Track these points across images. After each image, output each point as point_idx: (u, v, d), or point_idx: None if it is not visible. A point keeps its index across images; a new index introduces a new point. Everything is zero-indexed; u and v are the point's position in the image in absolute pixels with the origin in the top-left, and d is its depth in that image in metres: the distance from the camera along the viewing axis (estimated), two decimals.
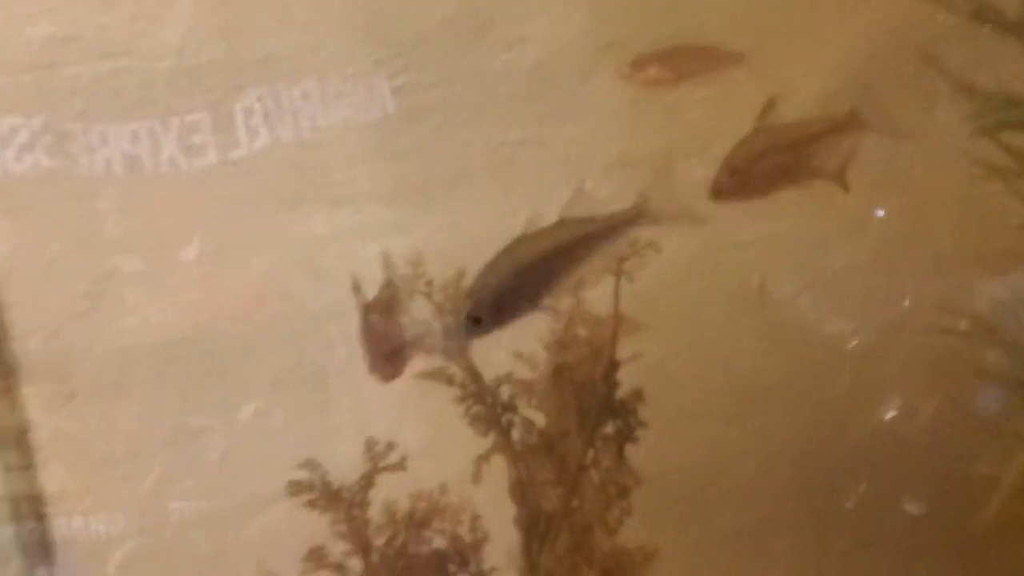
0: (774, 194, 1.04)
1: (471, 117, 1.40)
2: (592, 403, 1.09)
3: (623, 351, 1.12)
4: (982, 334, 1.21)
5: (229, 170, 1.35)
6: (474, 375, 1.12)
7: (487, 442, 1.14)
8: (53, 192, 1.34)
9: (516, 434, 1.14)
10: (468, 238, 1.37)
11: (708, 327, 1.45)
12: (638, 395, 1.11)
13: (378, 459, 1.11)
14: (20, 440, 1.28)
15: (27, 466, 1.27)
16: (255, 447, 1.43)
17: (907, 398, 1.47)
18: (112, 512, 1.39)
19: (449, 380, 1.13)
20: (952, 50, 1.07)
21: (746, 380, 1.48)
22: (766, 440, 1.50)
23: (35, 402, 1.38)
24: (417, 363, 1.14)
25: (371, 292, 1.33)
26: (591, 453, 1.12)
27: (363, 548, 1.09)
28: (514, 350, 1.12)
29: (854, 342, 1.49)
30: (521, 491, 1.11)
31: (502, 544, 1.16)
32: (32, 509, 1.29)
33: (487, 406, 1.12)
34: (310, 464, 1.12)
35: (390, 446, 1.12)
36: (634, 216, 0.93)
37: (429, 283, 1.14)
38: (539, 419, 1.14)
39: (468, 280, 1.16)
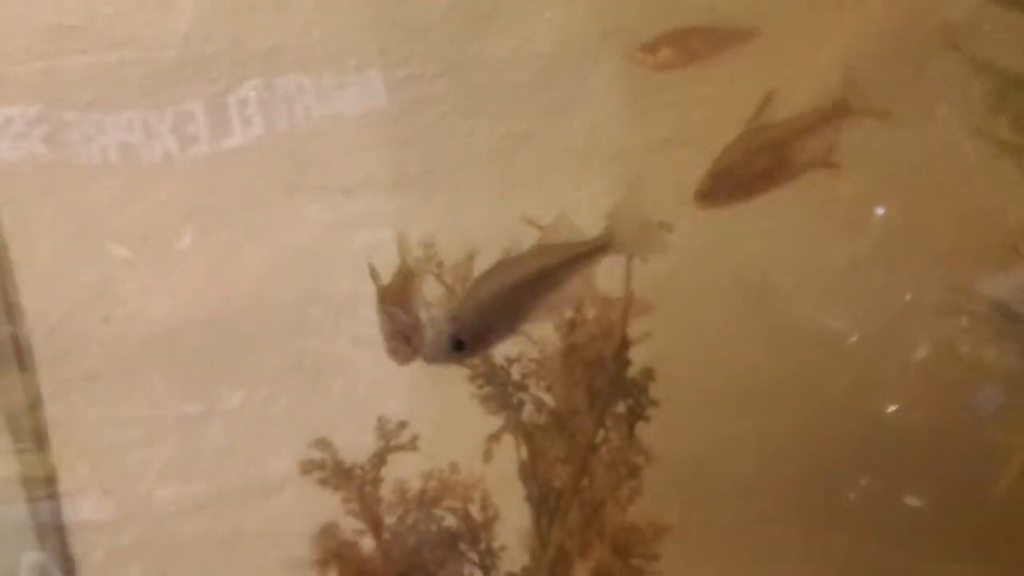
0: (760, 196, 1.04)
1: (475, 107, 1.40)
2: (603, 382, 1.10)
3: (633, 331, 1.12)
4: (983, 329, 1.22)
5: (232, 159, 1.35)
6: (485, 355, 1.12)
7: (498, 421, 1.14)
8: (51, 181, 1.35)
9: (527, 413, 1.14)
10: (470, 226, 1.38)
11: (709, 321, 1.45)
12: (649, 374, 1.12)
13: (390, 438, 1.11)
14: (32, 423, 1.27)
15: (39, 448, 1.27)
16: (264, 432, 1.44)
17: (908, 392, 1.47)
18: (120, 497, 1.39)
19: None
20: (969, 29, 1.08)
21: (748, 375, 1.48)
22: (768, 434, 1.50)
23: (45, 388, 1.38)
24: None
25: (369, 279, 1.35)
26: (601, 432, 1.12)
27: (375, 526, 1.09)
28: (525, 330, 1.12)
29: (855, 337, 1.50)
30: (532, 470, 1.12)
31: (513, 522, 1.17)
32: (44, 491, 1.28)
33: (498, 386, 1.13)
34: (322, 443, 1.11)
35: (401, 425, 1.12)
36: (603, 244, 0.96)
37: (440, 264, 1.14)
38: (550, 398, 1.14)
39: (479, 261, 1.17)
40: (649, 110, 1.41)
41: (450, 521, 1.15)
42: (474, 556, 1.16)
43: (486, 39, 1.38)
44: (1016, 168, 1.09)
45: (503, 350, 1.11)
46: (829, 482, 1.50)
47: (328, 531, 1.10)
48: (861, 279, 1.48)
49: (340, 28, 1.36)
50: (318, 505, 1.18)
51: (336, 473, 1.10)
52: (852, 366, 1.49)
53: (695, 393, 1.45)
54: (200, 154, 1.35)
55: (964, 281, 1.24)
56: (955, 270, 1.29)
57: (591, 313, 1.12)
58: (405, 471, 1.16)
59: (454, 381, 1.16)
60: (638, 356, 1.15)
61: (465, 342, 0.90)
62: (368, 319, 1.39)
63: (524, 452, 1.14)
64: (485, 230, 1.23)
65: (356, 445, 1.15)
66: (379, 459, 1.12)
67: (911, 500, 1.46)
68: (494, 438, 1.14)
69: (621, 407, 1.12)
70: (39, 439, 1.31)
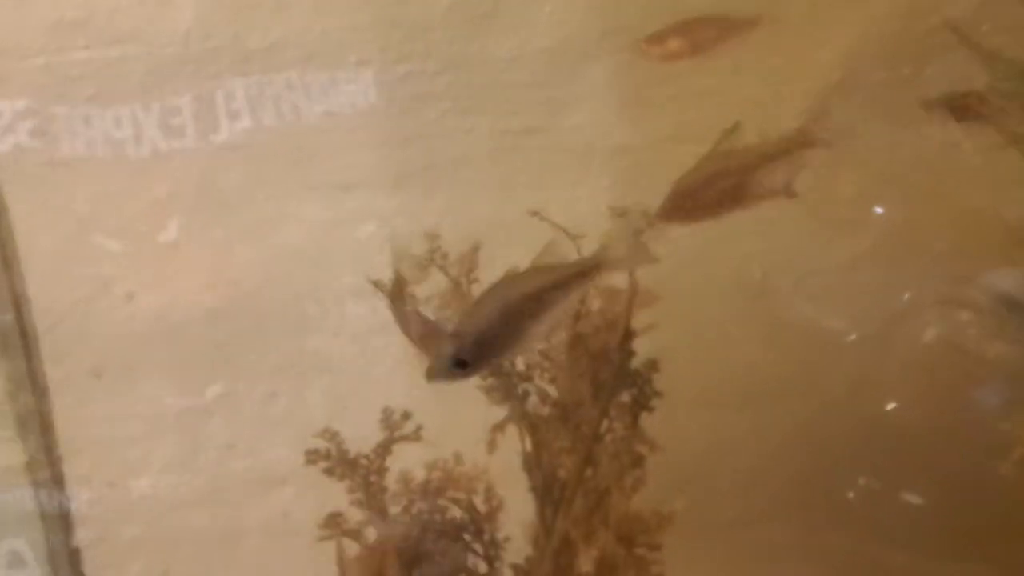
0: (722, 216, 1.06)
1: (475, 104, 1.41)
2: (607, 373, 1.11)
3: (638, 322, 1.13)
4: (983, 325, 1.23)
5: (233, 155, 1.36)
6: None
7: (502, 412, 1.14)
8: (52, 174, 1.35)
9: (531, 404, 1.14)
10: (471, 224, 1.38)
11: (709, 319, 1.46)
12: (653, 364, 1.12)
13: (394, 428, 1.11)
14: (39, 410, 1.28)
15: (44, 432, 1.27)
16: (266, 427, 1.44)
17: (908, 391, 1.47)
18: (126, 490, 1.39)
19: None
20: (971, 25, 1.09)
21: (747, 372, 1.49)
22: (768, 432, 1.51)
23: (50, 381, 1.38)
24: None
25: (374, 273, 1.35)
26: (605, 422, 1.13)
27: (380, 516, 1.10)
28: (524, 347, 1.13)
29: (855, 335, 1.51)
30: (536, 460, 1.12)
31: (517, 513, 1.17)
32: (49, 478, 1.28)
33: (502, 376, 1.13)
34: (327, 433, 1.12)
35: (406, 416, 1.12)
36: (596, 264, 0.97)
37: (444, 256, 1.15)
38: (554, 389, 1.15)
39: (483, 253, 1.18)
40: (650, 106, 1.41)
41: (454, 511, 1.15)
42: (478, 547, 1.16)
43: (486, 37, 1.39)
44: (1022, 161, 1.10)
45: None
46: (828, 480, 1.51)
47: (334, 519, 1.10)
48: (860, 277, 1.49)
49: (340, 26, 1.37)
50: (320, 500, 1.18)
51: (341, 462, 1.11)
52: (851, 365, 1.50)
53: (695, 390, 1.45)
54: (199, 150, 1.35)
55: (964, 277, 1.24)
56: (955, 268, 1.29)
57: (596, 304, 1.13)
58: (409, 461, 1.16)
59: None
60: (642, 348, 1.15)
61: (467, 360, 0.91)
62: (370, 312, 1.40)
63: (528, 443, 1.14)
64: (486, 227, 1.24)
65: (361, 436, 1.15)
66: (384, 449, 1.12)
67: (910, 499, 1.47)
68: (498, 428, 1.14)
69: (625, 397, 1.13)
70: (44, 430, 1.31)
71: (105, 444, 1.41)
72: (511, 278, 0.99)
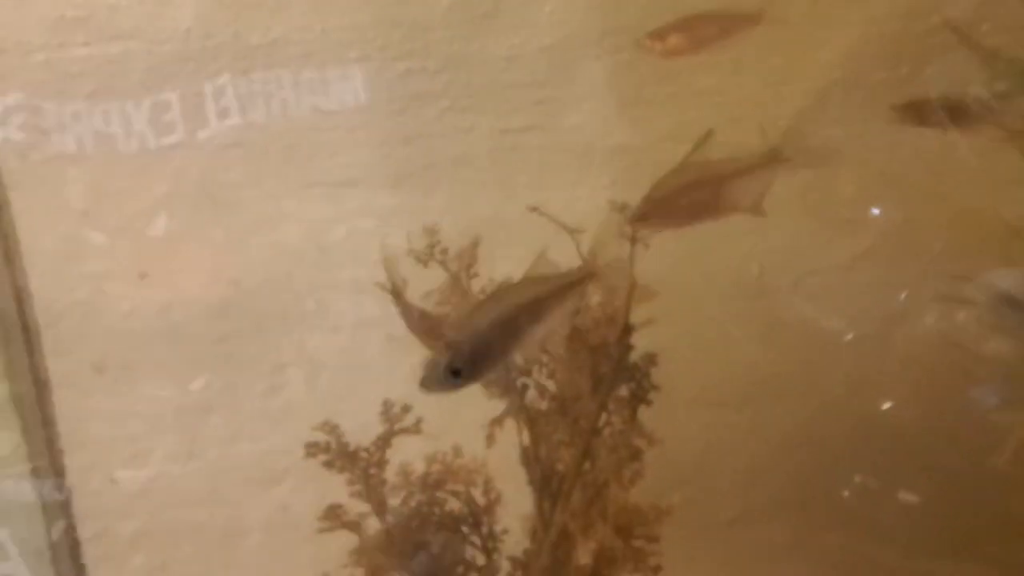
0: (693, 225, 1.07)
1: (475, 103, 1.41)
2: (606, 366, 1.11)
3: (636, 317, 1.13)
4: (980, 325, 1.23)
5: (232, 152, 1.36)
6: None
7: (501, 405, 1.15)
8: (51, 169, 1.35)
9: (530, 398, 1.15)
10: (470, 223, 1.39)
11: (707, 317, 1.47)
12: (651, 359, 1.13)
13: (394, 421, 1.12)
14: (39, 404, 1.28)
15: (45, 426, 1.27)
16: (266, 422, 1.44)
17: (905, 390, 1.48)
18: (126, 483, 1.39)
19: None
20: (976, 18, 1.10)
21: (745, 370, 1.50)
22: (765, 430, 1.52)
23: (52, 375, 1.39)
24: None
25: (374, 270, 1.35)
26: (604, 416, 1.13)
27: (379, 508, 1.10)
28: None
29: (852, 334, 1.51)
30: (535, 454, 1.13)
31: (515, 506, 1.17)
32: (50, 472, 1.29)
33: (501, 370, 1.14)
34: (327, 426, 1.12)
35: (406, 409, 1.13)
36: (585, 275, 0.99)
37: (444, 251, 1.15)
38: (553, 383, 1.15)
39: (483, 250, 1.18)
40: (650, 105, 1.42)
41: (453, 504, 1.15)
42: (476, 539, 1.16)
43: (487, 37, 1.39)
44: (1021, 159, 1.11)
45: None
46: (826, 479, 1.51)
47: (334, 511, 1.11)
48: (858, 276, 1.49)
49: (341, 24, 1.37)
50: (319, 496, 1.18)
51: (341, 455, 1.11)
52: (849, 364, 1.50)
53: (694, 387, 1.46)
54: (199, 147, 1.36)
55: (961, 277, 1.25)
56: (953, 267, 1.30)
57: (595, 299, 1.13)
58: (409, 454, 1.16)
59: None
60: (640, 343, 1.16)
61: (462, 370, 0.92)
62: (370, 308, 1.40)
63: (527, 436, 1.14)
64: (485, 226, 1.24)
65: (361, 429, 1.16)
66: (384, 442, 1.12)
67: (906, 497, 1.47)
68: (497, 422, 1.14)
69: (623, 391, 1.13)
70: (45, 424, 1.31)
71: (106, 438, 1.41)
72: (504, 289, 1.01)
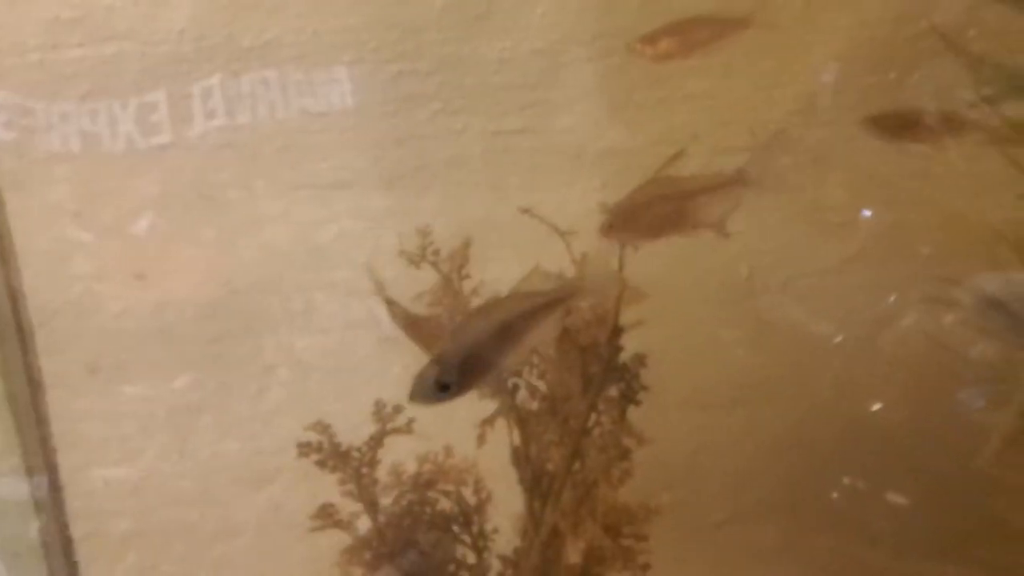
0: (660, 239, 1.09)
1: (467, 105, 1.42)
2: (596, 367, 1.12)
3: (626, 318, 1.14)
4: (968, 327, 1.24)
5: (225, 153, 1.37)
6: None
7: (492, 406, 1.16)
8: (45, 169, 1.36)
9: (521, 398, 1.15)
10: (462, 224, 1.39)
11: (696, 320, 1.47)
12: (640, 359, 1.14)
13: (386, 421, 1.12)
14: (33, 404, 1.28)
15: (38, 426, 1.28)
16: (257, 422, 1.44)
17: (893, 392, 1.49)
18: (119, 483, 1.39)
19: None
20: (959, 31, 1.11)
21: (734, 372, 1.50)
22: (754, 432, 1.52)
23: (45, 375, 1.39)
24: None
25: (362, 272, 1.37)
26: (593, 416, 1.14)
27: (371, 507, 1.11)
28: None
29: (841, 337, 1.52)
30: (525, 453, 1.14)
31: (505, 505, 1.18)
32: (43, 471, 1.29)
33: None
34: (319, 425, 1.13)
35: (397, 409, 1.13)
36: (572, 291, 1.02)
37: (436, 252, 1.16)
38: (543, 383, 1.16)
39: (475, 252, 1.19)
40: (641, 108, 1.43)
41: (444, 503, 1.16)
42: (467, 538, 1.17)
43: (479, 39, 1.40)
44: (1007, 164, 1.12)
45: None
46: (815, 481, 1.52)
47: (325, 510, 1.11)
48: (847, 279, 1.50)
49: (334, 26, 1.38)
50: (311, 496, 1.19)
51: (333, 455, 1.11)
52: (838, 366, 1.51)
53: (683, 388, 1.46)
54: (191, 147, 1.36)
55: (949, 280, 1.26)
56: (940, 270, 1.30)
57: (585, 301, 1.14)
58: (401, 454, 1.17)
59: None
60: (629, 343, 1.17)
61: (450, 384, 0.93)
62: (362, 308, 1.41)
63: (517, 436, 1.15)
64: (477, 228, 1.25)
65: (353, 429, 1.16)
66: (376, 442, 1.13)
67: (895, 499, 1.48)
68: (488, 422, 1.15)
69: (613, 391, 1.14)
70: (39, 423, 1.31)
71: (98, 438, 1.41)
72: (492, 303, 1.01)
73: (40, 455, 1.34)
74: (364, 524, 1.14)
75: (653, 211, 1.06)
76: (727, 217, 1.04)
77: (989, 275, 1.18)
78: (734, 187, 1.03)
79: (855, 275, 1.49)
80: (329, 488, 1.18)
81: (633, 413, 1.18)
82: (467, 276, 1.17)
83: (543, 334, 1.00)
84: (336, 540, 1.19)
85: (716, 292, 1.48)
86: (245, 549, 1.45)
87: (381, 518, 1.12)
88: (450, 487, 1.15)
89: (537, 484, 1.13)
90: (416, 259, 1.15)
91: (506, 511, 1.18)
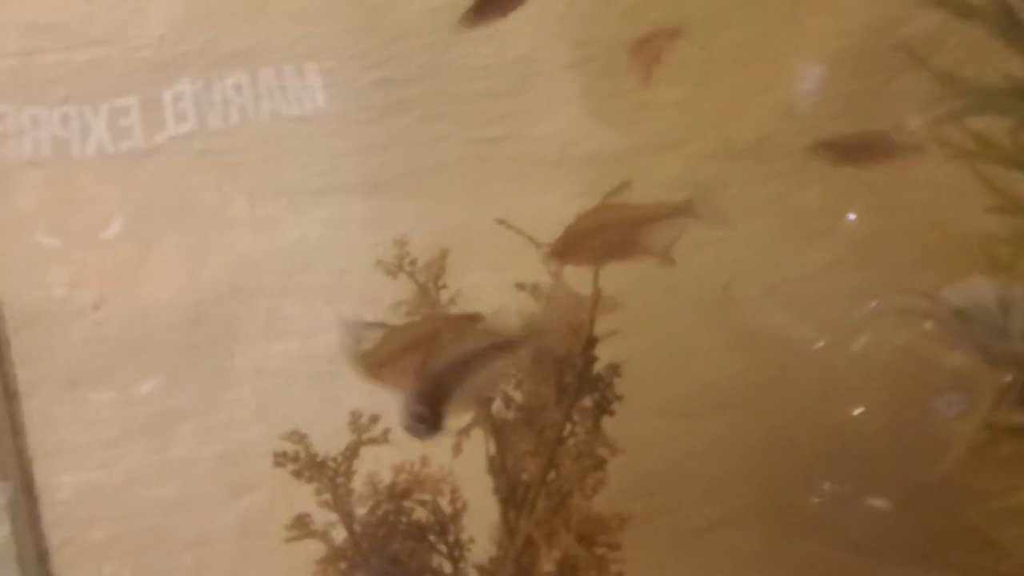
0: (606, 264, 1.12)
1: (448, 111, 1.42)
2: (571, 377, 1.12)
3: (600, 329, 1.15)
4: (953, 332, 1.25)
5: (206, 159, 1.37)
6: None
7: (468, 416, 1.16)
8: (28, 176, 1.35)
9: (496, 408, 1.16)
10: (442, 231, 1.40)
11: (675, 326, 1.48)
12: (615, 369, 1.14)
13: (362, 431, 1.13)
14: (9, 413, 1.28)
15: (15, 435, 1.28)
16: (235, 431, 1.44)
17: (872, 398, 1.50)
18: (96, 491, 1.39)
19: None
20: (936, 42, 1.12)
21: (712, 379, 1.51)
22: (731, 438, 1.53)
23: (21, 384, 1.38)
24: None
25: (346, 278, 1.37)
26: (568, 426, 1.15)
27: (346, 518, 1.11)
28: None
29: (820, 343, 1.53)
30: (501, 463, 1.14)
31: (481, 515, 1.18)
32: (19, 479, 1.29)
33: None
34: (295, 435, 1.13)
35: (374, 419, 1.14)
36: (527, 337, 1.04)
37: (413, 263, 1.16)
38: (519, 394, 1.16)
39: (453, 260, 1.20)
40: (621, 116, 1.43)
41: (420, 513, 1.16)
42: (443, 547, 1.17)
43: (460, 46, 1.40)
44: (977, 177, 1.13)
45: None
46: (794, 488, 1.52)
47: (301, 520, 1.11)
48: (827, 286, 1.51)
49: (315, 32, 1.38)
50: (288, 505, 1.19)
51: (309, 465, 1.12)
52: (817, 372, 1.52)
53: (662, 397, 1.47)
54: (171, 153, 1.36)
55: (928, 288, 1.27)
56: (920, 278, 1.31)
57: (560, 311, 1.15)
58: (376, 464, 1.17)
59: None
60: (604, 353, 1.17)
61: (425, 415, 0.95)
62: (339, 316, 1.41)
63: (493, 446, 1.15)
64: (458, 235, 1.25)
65: (329, 439, 1.17)
66: (352, 452, 1.13)
67: (874, 505, 1.48)
68: (464, 432, 1.15)
69: (587, 401, 1.14)
70: (15, 433, 1.31)
71: (76, 446, 1.41)
72: (457, 341, 1.02)
73: (15, 463, 1.34)
74: (340, 534, 1.14)
75: (600, 237, 1.07)
76: (672, 245, 1.05)
77: (956, 286, 1.19)
78: (680, 216, 1.05)
79: (836, 281, 1.49)
80: (306, 497, 1.18)
81: (609, 422, 1.19)
82: (444, 286, 1.17)
83: (498, 375, 1.02)
84: (313, 550, 1.19)
85: (694, 299, 1.49)
86: (222, 557, 1.45)
87: (357, 528, 1.12)
88: (426, 497, 1.15)
89: (512, 494, 1.13)
90: (393, 269, 1.15)
91: (482, 521, 1.18)
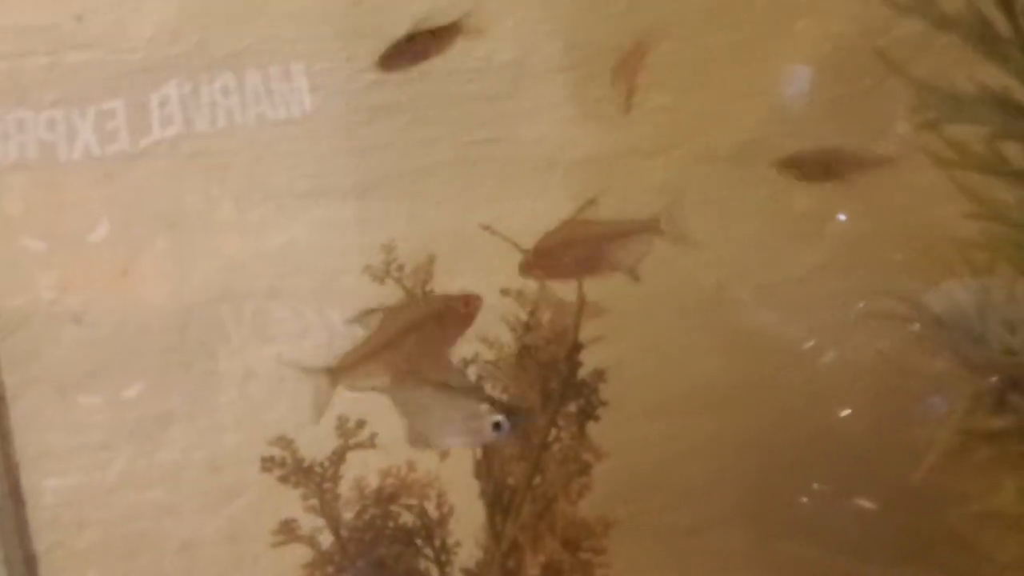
0: (576, 279, 1.14)
1: (438, 115, 1.42)
2: (556, 383, 1.13)
3: (585, 334, 1.15)
4: (933, 338, 1.25)
5: (196, 162, 1.37)
6: None
7: None
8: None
9: None
10: (432, 234, 1.40)
11: (663, 328, 1.49)
12: (600, 375, 1.15)
13: (349, 436, 1.13)
14: None
15: (2, 440, 1.28)
16: (222, 436, 1.45)
17: (859, 399, 1.51)
18: (83, 496, 1.39)
19: None
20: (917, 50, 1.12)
21: (698, 382, 1.52)
22: (717, 440, 1.54)
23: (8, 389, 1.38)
24: None
25: (335, 280, 1.37)
26: (553, 431, 1.15)
27: (333, 522, 1.12)
28: (480, 334, 1.15)
29: (808, 344, 1.53)
30: (487, 468, 1.15)
31: (467, 519, 1.19)
32: (6, 485, 1.29)
33: None
34: (282, 441, 1.13)
35: (360, 424, 1.14)
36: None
37: (400, 268, 1.17)
38: (505, 398, 1.17)
39: (438, 265, 1.20)
40: (610, 119, 1.43)
41: (407, 517, 1.17)
42: (429, 552, 1.18)
43: (452, 49, 1.40)
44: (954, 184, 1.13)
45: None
46: (780, 488, 1.53)
47: (287, 526, 1.12)
48: (815, 288, 1.51)
49: (307, 35, 1.38)
50: (275, 510, 1.19)
51: (296, 470, 1.12)
52: (804, 374, 1.53)
53: (643, 403, 1.47)
54: (160, 156, 1.36)
55: (915, 291, 1.27)
56: (907, 281, 1.32)
57: (545, 316, 1.15)
58: (363, 468, 1.18)
59: None
60: (589, 359, 1.18)
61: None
62: (328, 321, 1.41)
63: (479, 451, 1.16)
64: (446, 238, 1.26)
65: (316, 444, 1.17)
66: (339, 457, 1.14)
67: (860, 506, 1.49)
68: None
69: (572, 407, 1.15)
70: (2, 437, 1.31)
71: (63, 451, 1.41)
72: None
73: (2, 467, 1.34)
74: (327, 538, 1.14)
75: (569, 253, 1.08)
76: (640, 261, 1.07)
77: (935, 292, 1.20)
78: (647, 233, 1.06)
79: (823, 284, 1.50)
80: (293, 501, 1.18)
81: (595, 427, 1.19)
82: (431, 291, 1.17)
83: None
84: (300, 554, 1.20)
85: (680, 304, 1.49)
86: (210, 562, 1.45)
87: (344, 532, 1.13)
88: (413, 501, 1.16)
89: (498, 498, 1.14)
90: (380, 275, 1.15)
91: (468, 525, 1.19)
